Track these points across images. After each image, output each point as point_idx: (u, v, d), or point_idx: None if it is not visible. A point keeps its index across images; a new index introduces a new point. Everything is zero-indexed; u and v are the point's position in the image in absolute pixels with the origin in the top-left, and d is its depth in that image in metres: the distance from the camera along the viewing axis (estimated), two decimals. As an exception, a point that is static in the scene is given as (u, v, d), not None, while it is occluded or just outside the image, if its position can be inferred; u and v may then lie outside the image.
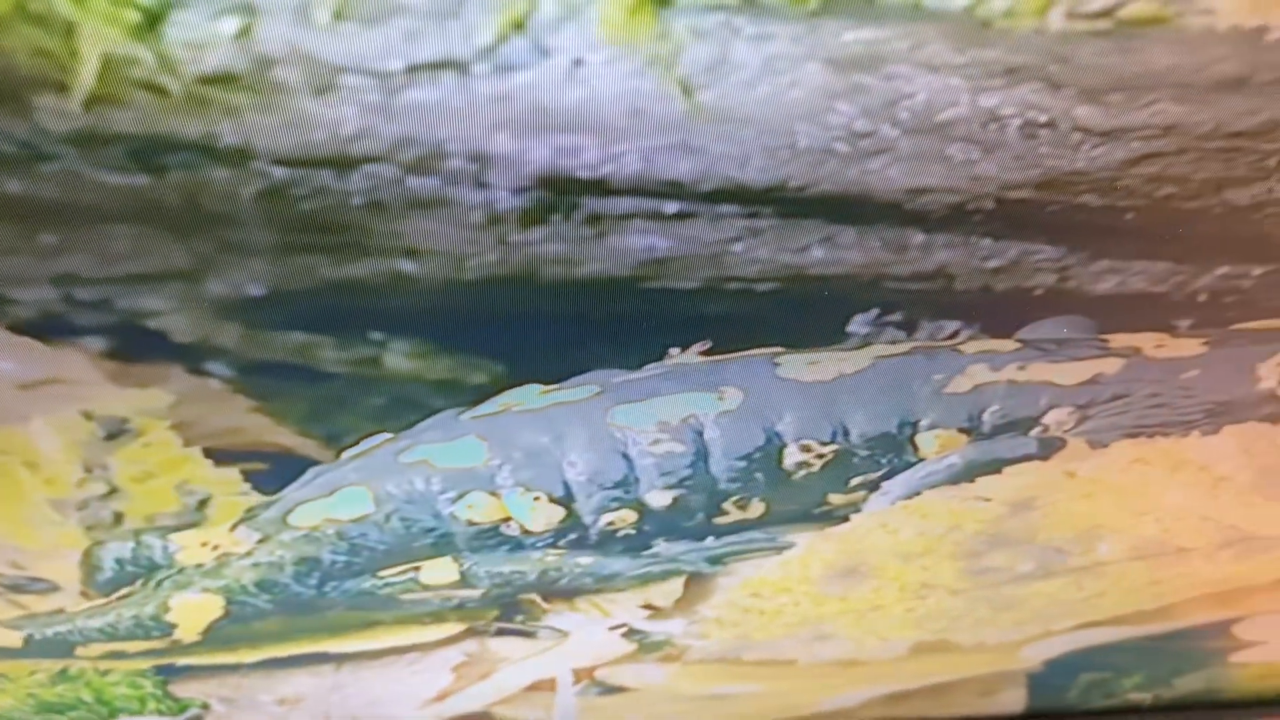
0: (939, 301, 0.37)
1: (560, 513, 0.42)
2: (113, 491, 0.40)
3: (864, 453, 0.42)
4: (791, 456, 0.41)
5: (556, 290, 0.34)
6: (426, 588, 0.44)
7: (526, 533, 0.43)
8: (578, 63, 0.28)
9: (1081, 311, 0.40)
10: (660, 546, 0.44)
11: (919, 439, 0.42)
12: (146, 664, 0.47)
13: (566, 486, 0.42)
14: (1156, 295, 0.39)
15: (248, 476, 0.41)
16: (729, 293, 0.36)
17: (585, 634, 0.49)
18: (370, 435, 0.40)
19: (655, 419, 0.40)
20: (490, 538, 0.43)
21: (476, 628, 0.48)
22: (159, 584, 0.43)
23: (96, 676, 0.50)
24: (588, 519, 0.43)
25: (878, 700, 0.53)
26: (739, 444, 0.41)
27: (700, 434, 0.41)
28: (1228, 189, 0.34)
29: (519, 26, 0.27)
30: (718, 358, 0.39)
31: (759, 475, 0.42)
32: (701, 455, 0.41)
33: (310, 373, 0.36)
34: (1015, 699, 0.54)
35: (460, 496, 0.42)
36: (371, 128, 0.29)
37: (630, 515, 0.43)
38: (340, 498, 0.42)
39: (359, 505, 0.42)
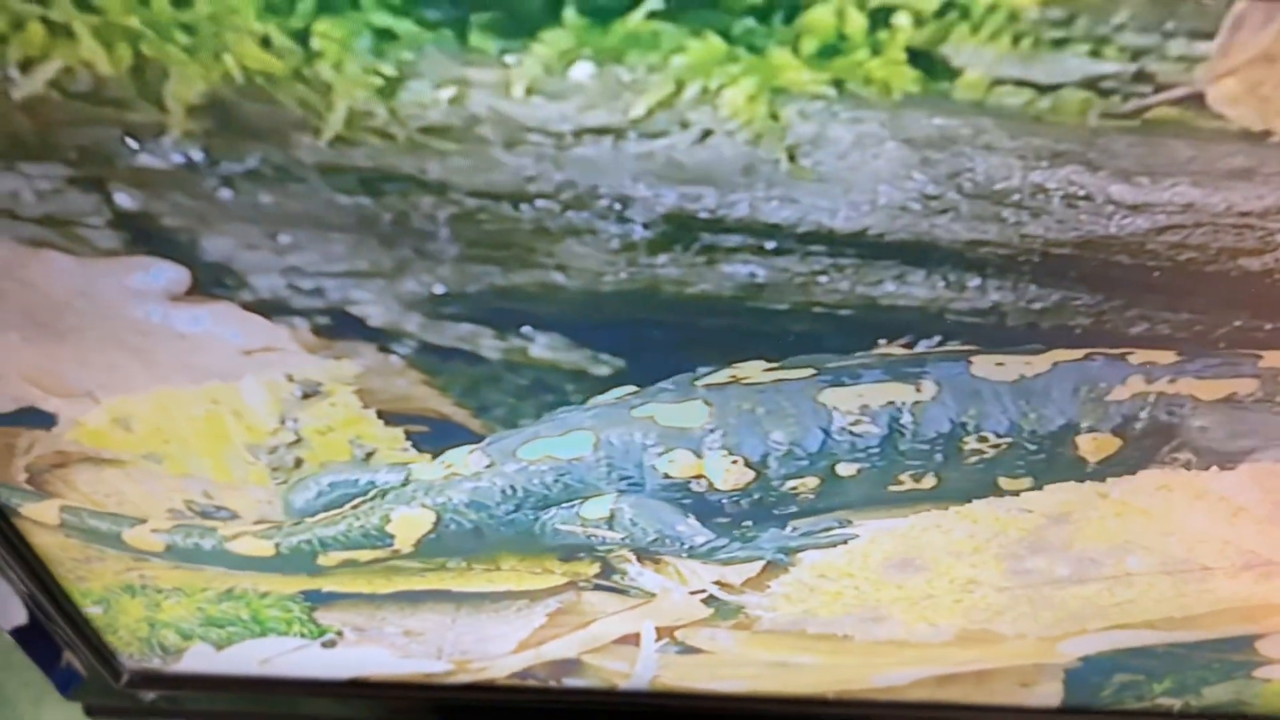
0: (995, 335, 0.44)
1: (750, 475, 0.48)
2: (298, 441, 0.48)
3: (1032, 447, 0.47)
4: (970, 445, 0.47)
5: (671, 304, 0.42)
6: (583, 521, 0.50)
7: (712, 489, 0.48)
8: (707, 133, 0.36)
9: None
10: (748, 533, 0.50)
11: (1079, 439, 0.46)
12: (368, 576, 0.54)
13: (765, 453, 0.47)
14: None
15: (409, 435, 0.48)
16: (813, 315, 0.42)
17: (669, 596, 0.54)
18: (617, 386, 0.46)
19: (859, 403, 0.46)
20: (675, 491, 0.49)
21: (578, 582, 0.54)
22: (384, 496, 0.50)
23: (255, 599, 0.58)
24: (775, 482, 0.48)
25: (926, 682, 0.58)
26: (927, 430, 0.46)
27: (896, 419, 0.46)
28: (1240, 257, 0.40)
29: (666, 106, 0.35)
30: (919, 351, 0.45)
31: (938, 457, 0.47)
32: (892, 437, 0.46)
33: (472, 356, 0.44)
34: (1052, 692, 0.59)
35: (666, 451, 0.47)
36: (544, 173, 0.37)
37: (813, 481, 0.48)
38: (569, 439, 0.48)
39: (580, 448, 0.48)
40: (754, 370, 0.45)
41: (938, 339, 0.45)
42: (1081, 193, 0.39)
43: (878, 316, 0.43)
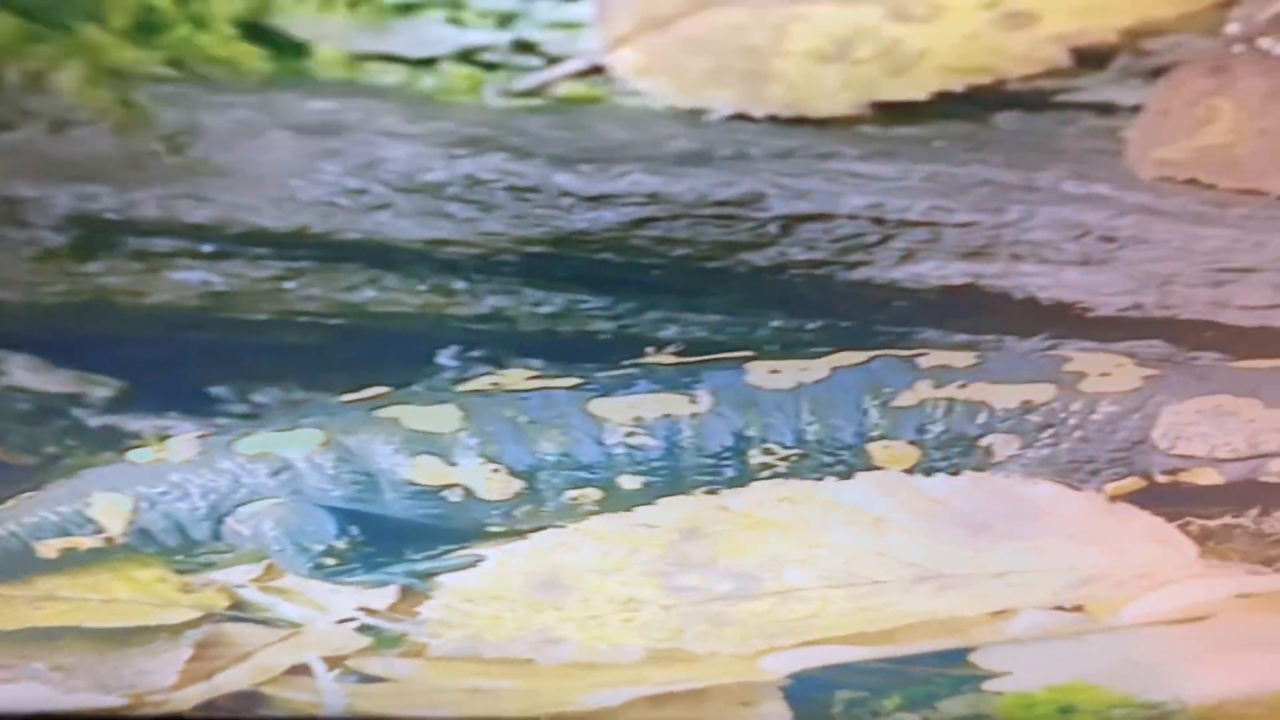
0: (513, 342, 0.42)
1: (518, 485, 0.44)
2: None
3: (826, 458, 0.44)
4: (756, 458, 0.44)
5: (139, 316, 0.39)
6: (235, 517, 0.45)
7: (472, 498, 0.44)
8: (62, 124, 0.36)
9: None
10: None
11: (870, 448, 0.44)
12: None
13: (533, 463, 0.44)
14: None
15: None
16: (301, 325, 0.41)
17: (315, 625, 0.50)
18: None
19: (632, 414, 0.43)
20: (425, 500, 0.44)
21: (214, 614, 0.50)
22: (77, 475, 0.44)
23: None
24: (548, 494, 0.44)
25: (638, 703, 0.52)
26: (709, 444, 0.44)
27: (674, 432, 0.44)
28: (740, 251, 0.40)
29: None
30: (691, 360, 0.42)
31: (728, 471, 0.44)
32: (673, 451, 0.44)
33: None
34: (778, 712, 0.53)
35: (412, 456, 0.43)
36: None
37: (595, 494, 0.44)
38: (294, 435, 0.43)
39: (305, 448, 0.43)
40: (517, 378, 0.42)
41: (455, 349, 0.43)
42: (523, 183, 0.38)
43: (375, 326, 0.41)
